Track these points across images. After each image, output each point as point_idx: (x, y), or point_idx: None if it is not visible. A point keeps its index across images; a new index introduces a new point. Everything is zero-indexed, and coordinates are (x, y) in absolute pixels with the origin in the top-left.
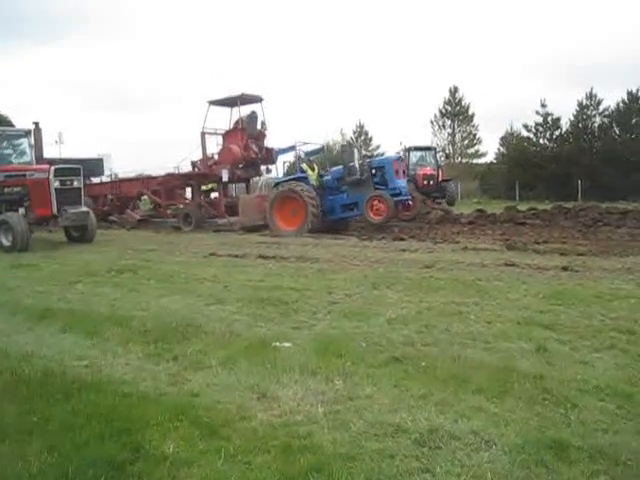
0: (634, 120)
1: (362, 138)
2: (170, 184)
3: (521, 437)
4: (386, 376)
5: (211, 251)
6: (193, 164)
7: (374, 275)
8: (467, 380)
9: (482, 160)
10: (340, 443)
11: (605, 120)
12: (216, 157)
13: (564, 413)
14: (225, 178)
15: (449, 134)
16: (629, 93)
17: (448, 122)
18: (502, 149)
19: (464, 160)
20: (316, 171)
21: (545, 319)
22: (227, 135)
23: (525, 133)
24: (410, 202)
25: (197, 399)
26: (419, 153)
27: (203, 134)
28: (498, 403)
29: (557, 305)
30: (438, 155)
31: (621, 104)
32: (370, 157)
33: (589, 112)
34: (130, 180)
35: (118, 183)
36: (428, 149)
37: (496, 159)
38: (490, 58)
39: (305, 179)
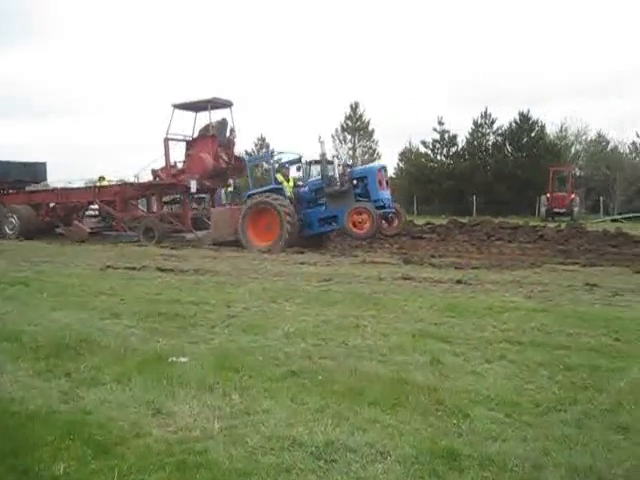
0: (525, 139)
1: (263, 151)
2: (127, 194)
3: (415, 448)
4: (283, 390)
5: (108, 263)
6: (154, 173)
7: (273, 288)
8: (363, 393)
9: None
10: (236, 458)
11: (498, 138)
12: (180, 165)
13: (456, 423)
14: (194, 189)
15: (350, 148)
16: (520, 114)
17: (349, 137)
18: (401, 164)
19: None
20: (291, 182)
21: (439, 331)
22: (196, 142)
23: (423, 149)
24: (392, 216)
25: (90, 417)
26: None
27: (167, 140)
28: (393, 415)
29: (451, 317)
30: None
31: (513, 124)
32: (350, 166)
33: (484, 130)
34: (79, 188)
35: (64, 191)
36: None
37: (395, 174)
38: (392, 74)
39: (281, 190)
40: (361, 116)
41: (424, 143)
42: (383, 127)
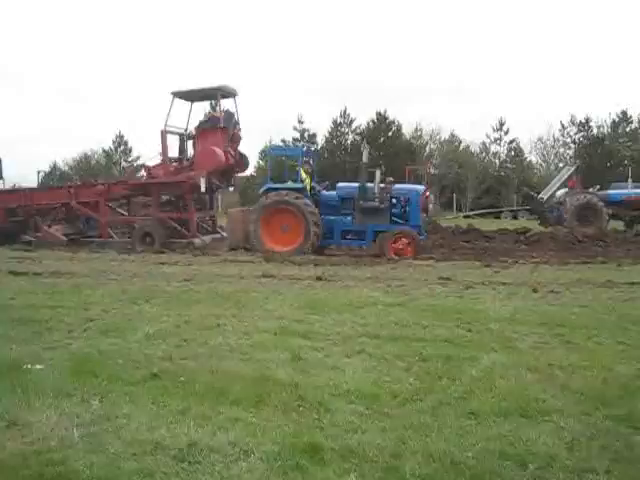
0: (382, 139)
1: (122, 148)
2: (116, 194)
3: (278, 444)
4: (144, 393)
5: None
6: (147, 170)
7: (132, 289)
8: (225, 392)
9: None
10: (97, 466)
11: (357, 137)
12: (174, 163)
13: (318, 417)
14: (203, 188)
15: None
16: (378, 113)
17: None
18: (262, 162)
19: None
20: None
21: (300, 328)
22: (202, 135)
23: None
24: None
25: None
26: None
27: (165, 133)
28: (255, 413)
29: (312, 314)
30: None
31: (371, 123)
32: (392, 183)
33: (343, 129)
34: (50, 188)
35: (30, 192)
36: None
37: (256, 172)
38: (250, 71)
39: (302, 189)
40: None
41: (284, 141)
42: (242, 124)
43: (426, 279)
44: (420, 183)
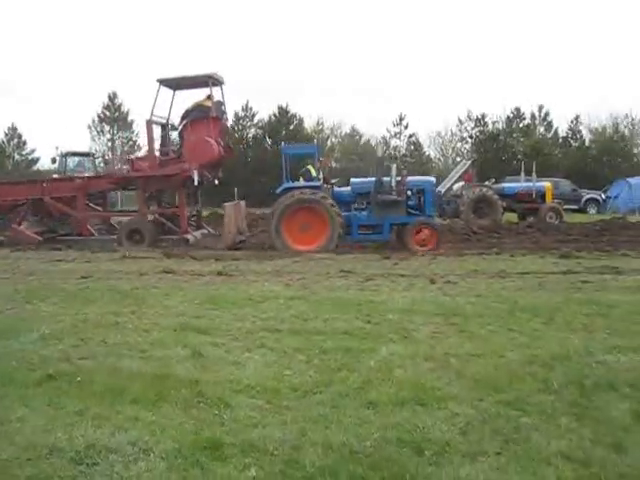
0: (284, 132)
1: (15, 141)
2: (94, 188)
3: (178, 442)
4: (40, 395)
5: None
6: (131, 162)
7: (27, 288)
8: (124, 391)
9: None
10: None
11: (259, 131)
12: (157, 153)
13: (218, 413)
14: (197, 181)
15: (108, 140)
16: (280, 107)
17: (107, 127)
18: None
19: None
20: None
21: (201, 324)
22: (194, 125)
23: None
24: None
25: None
26: (77, 158)
27: (150, 123)
28: (155, 411)
29: (212, 309)
30: (97, 161)
31: (273, 117)
32: (406, 175)
33: (245, 123)
34: (18, 183)
35: None
36: (87, 155)
37: None
38: (150, 64)
39: (319, 187)
40: (120, 106)
41: None
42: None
43: (327, 272)
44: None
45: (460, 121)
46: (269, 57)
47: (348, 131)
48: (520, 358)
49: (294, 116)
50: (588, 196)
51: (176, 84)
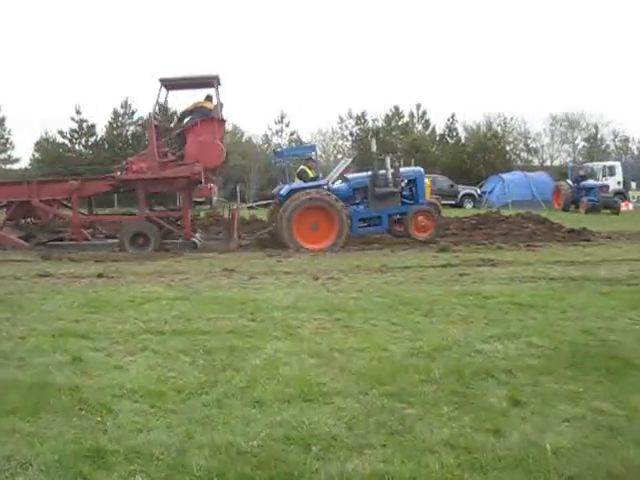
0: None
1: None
2: (91, 190)
3: (58, 452)
4: None
5: None
6: (127, 164)
7: None
8: (0, 402)
9: (16, 166)
10: None
11: (138, 129)
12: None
13: (101, 420)
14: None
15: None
16: (160, 104)
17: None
18: (37, 155)
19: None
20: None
21: (80, 328)
22: (199, 127)
23: (61, 139)
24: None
25: None
26: None
27: (152, 123)
28: (33, 421)
29: (92, 313)
30: None
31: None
32: (398, 167)
33: (124, 121)
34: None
35: None
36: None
37: (31, 165)
38: (27, 62)
39: (323, 186)
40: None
41: (61, 133)
42: (17, 115)
43: (210, 271)
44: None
45: (341, 119)
46: (153, 52)
47: (230, 128)
48: (403, 351)
49: (174, 113)
50: (464, 191)
51: (177, 84)
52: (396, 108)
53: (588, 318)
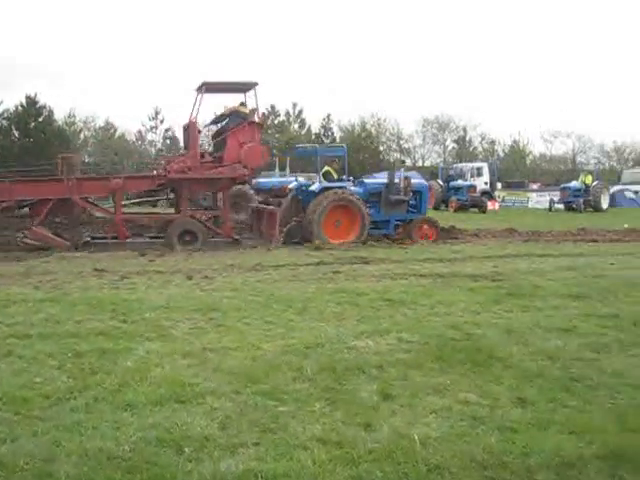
0: (32, 124)
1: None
2: (133, 188)
3: None
4: None
5: None
6: (166, 163)
7: None
8: None
9: None
10: None
11: (4, 122)
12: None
13: None
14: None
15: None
16: (27, 97)
17: None
18: None
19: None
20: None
21: None
22: (238, 130)
23: None
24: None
25: None
26: None
27: (195, 126)
28: None
29: None
30: None
31: (20, 107)
32: (407, 178)
33: None
34: (39, 180)
35: (10, 183)
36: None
37: None
38: None
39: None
40: None
41: None
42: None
43: (80, 272)
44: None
45: (216, 115)
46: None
47: (102, 124)
48: (276, 349)
49: (43, 107)
50: None
51: (218, 87)
52: (272, 107)
53: (455, 313)
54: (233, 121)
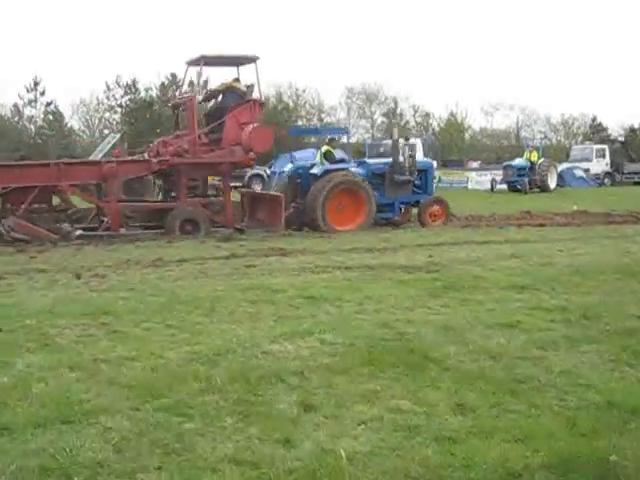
0: None
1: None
2: (124, 174)
3: None
4: None
5: None
6: (159, 145)
7: None
8: None
9: None
10: None
11: None
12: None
13: None
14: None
15: None
16: None
17: None
18: None
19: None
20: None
21: None
22: (238, 108)
23: None
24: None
25: None
26: None
27: (195, 102)
28: None
29: None
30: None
31: None
32: (411, 156)
33: None
34: (25, 165)
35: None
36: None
37: None
38: None
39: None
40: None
41: None
42: None
43: None
44: None
45: (108, 87)
46: None
47: None
48: (180, 357)
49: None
50: (252, 172)
51: (217, 61)
52: (173, 76)
53: (386, 310)
54: (229, 99)
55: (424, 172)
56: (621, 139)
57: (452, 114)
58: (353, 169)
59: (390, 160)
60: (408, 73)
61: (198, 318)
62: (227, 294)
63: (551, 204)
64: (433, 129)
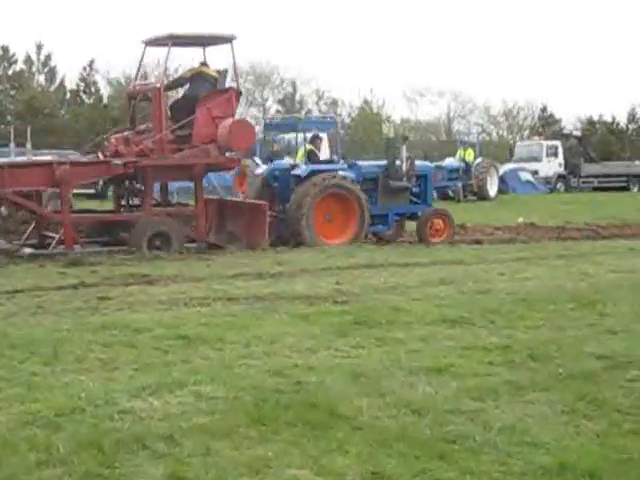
0: None
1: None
2: (80, 179)
3: None
4: None
5: None
6: (117, 142)
7: None
8: None
9: None
10: None
11: None
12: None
13: None
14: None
15: None
16: None
17: None
18: None
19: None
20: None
21: None
22: (211, 99)
23: None
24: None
25: None
26: None
27: (162, 90)
28: None
29: None
30: None
31: None
32: (412, 160)
33: None
34: None
35: None
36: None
37: None
38: None
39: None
40: None
41: None
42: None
43: None
44: None
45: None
46: None
47: None
48: (12, 418)
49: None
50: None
51: (188, 41)
52: (4, 49)
53: (281, 353)
54: (199, 87)
55: (423, 178)
56: (577, 134)
57: (366, 102)
58: (342, 172)
59: (385, 163)
60: (310, 53)
61: (35, 367)
62: (74, 335)
63: (491, 215)
64: (343, 120)
